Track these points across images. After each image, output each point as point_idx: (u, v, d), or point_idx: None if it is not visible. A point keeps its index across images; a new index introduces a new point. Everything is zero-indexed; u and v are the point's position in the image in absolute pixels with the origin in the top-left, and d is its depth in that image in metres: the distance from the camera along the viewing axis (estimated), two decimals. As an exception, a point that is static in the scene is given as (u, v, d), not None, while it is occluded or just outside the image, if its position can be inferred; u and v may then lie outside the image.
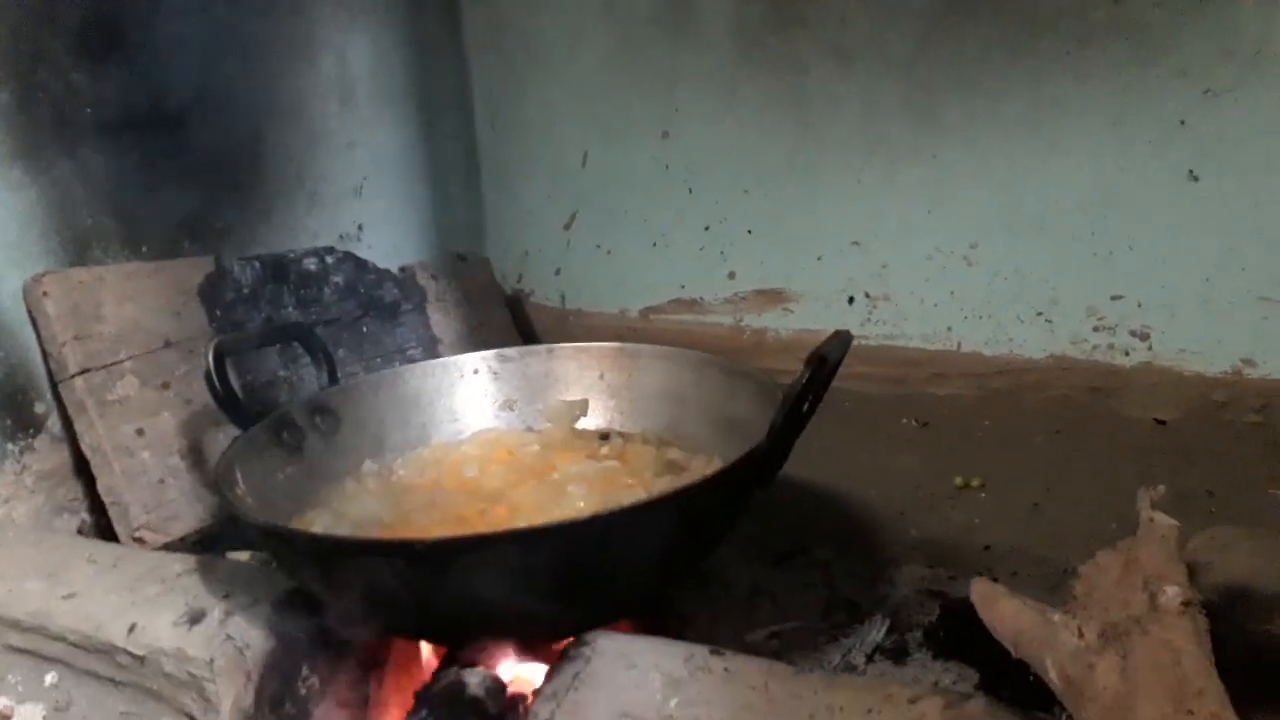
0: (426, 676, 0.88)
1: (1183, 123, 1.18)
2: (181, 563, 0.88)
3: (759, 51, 1.41)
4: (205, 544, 1.00)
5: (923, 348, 1.39)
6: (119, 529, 0.97)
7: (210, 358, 0.87)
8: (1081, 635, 0.69)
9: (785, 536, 1.04)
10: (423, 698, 0.72)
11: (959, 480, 1.17)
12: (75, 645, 0.82)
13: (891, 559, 1.01)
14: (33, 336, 0.97)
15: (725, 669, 0.67)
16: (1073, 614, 0.71)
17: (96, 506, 1.04)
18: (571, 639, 0.71)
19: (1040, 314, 1.32)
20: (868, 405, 1.39)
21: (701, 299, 1.54)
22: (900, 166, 1.36)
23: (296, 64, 1.27)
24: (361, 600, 0.70)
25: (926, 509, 1.12)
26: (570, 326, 1.63)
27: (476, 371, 1.05)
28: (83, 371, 0.95)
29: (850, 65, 1.36)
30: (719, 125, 1.45)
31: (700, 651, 0.69)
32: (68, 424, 1.00)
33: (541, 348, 1.08)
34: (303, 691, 0.79)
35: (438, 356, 1.37)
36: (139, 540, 0.97)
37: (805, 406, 0.70)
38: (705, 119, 1.46)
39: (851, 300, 1.44)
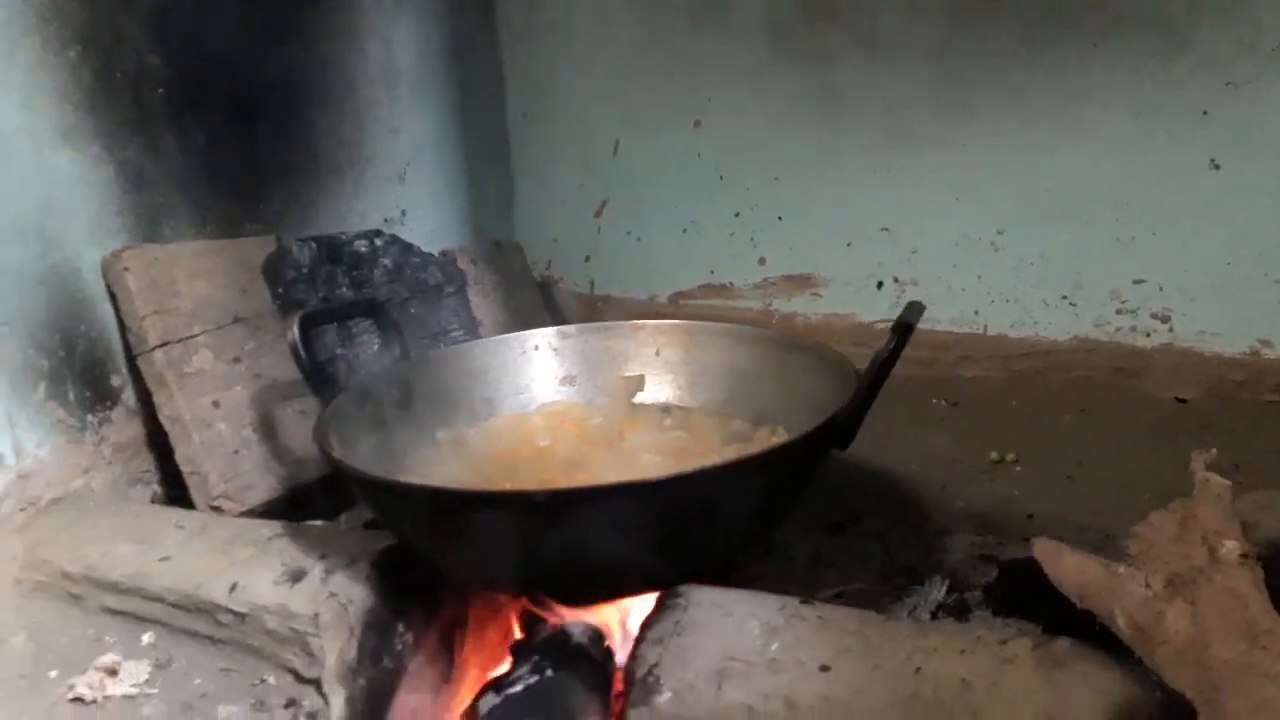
0: (505, 635, 0.92)
1: (1205, 113, 1.23)
2: (269, 528, 0.91)
3: (789, 42, 1.45)
4: (278, 513, 1.03)
5: (950, 330, 1.44)
6: (196, 498, 1.00)
7: (296, 329, 0.90)
8: (1148, 585, 0.74)
9: (838, 509, 1.08)
10: (523, 649, 0.75)
11: (994, 455, 1.22)
12: (174, 605, 0.84)
13: (941, 528, 1.05)
14: (110, 311, 1.00)
15: (819, 616, 0.71)
16: (1136, 567, 0.76)
17: (167, 479, 1.07)
18: (662, 592, 0.75)
19: (1065, 297, 1.38)
20: (899, 386, 1.41)
21: (731, 284, 1.58)
22: (928, 155, 1.40)
23: (348, 50, 1.30)
24: (470, 554, 0.73)
25: (966, 482, 1.16)
26: (599, 312, 1.66)
27: (537, 348, 1.08)
28: (162, 345, 0.98)
29: (878, 57, 1.40)
30: (750, 114, 1.49)
31: (791, 602, 0.73)
32: (142, 397, 1.02)
33: (598, 325, 1.11)
34: (398, 647, 0.82)
35: (479, 337, 1.41)
36: (216, 509, 0.99)
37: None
38: (736, 108, 1.50)
39: (880, 285, 1.48)
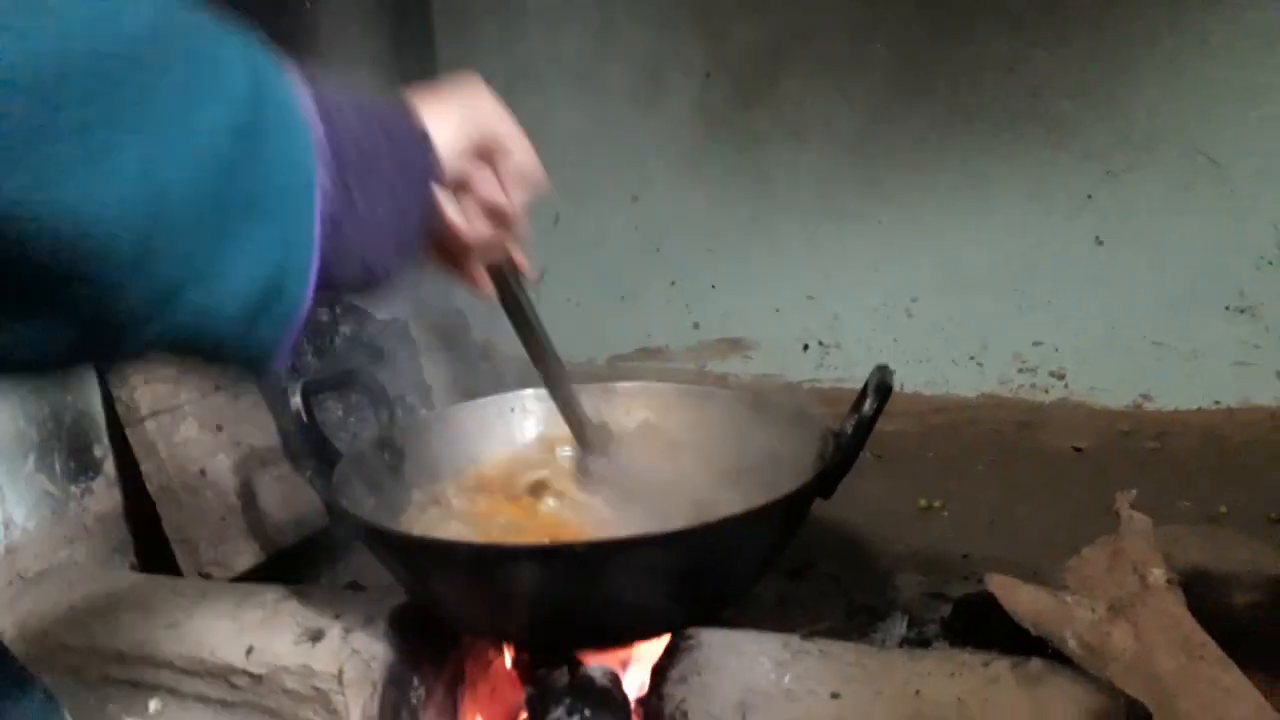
0: (497, 689, 0.96)
1: (1089, 197, 1.41)
2: (272, 591, 0.93)
3: (723, 127, 1.57)
4: (262, 578, 1.05)
5: (870, 390, 1.56)
6: (184, 565, 1.01)
7: (299, 398, 0.93)
8: (1094, 611, 0.85)
9: (793, 556, 1.17)
10: (548, 693, 0.80)
11: (923, 502, 1.34)
12: (183, 671, 0.86)
13: (889, 569, 1.15)
14: (94, 380, 1.01)
15: (819, 650, 0.79)
16: (1081, 595, 0.88)
17: (143, 549, 1.07)
18: (671, 636, 0.81)
19: (972, 358, 1.52)
20: (828, 441, 1.55)
21: (667, 347, 1.67)
22: (850, 230, 1.54)
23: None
24: (495, 606, 0.78)
25: (903, 527, 1.27)
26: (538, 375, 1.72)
27: (513, 410, 1.14)
28: (153, 414, 0.99)
29: (805, 142, 1.54)
30: (685, 190, 1.60)
31: (792, 639, 0.81)
32: (121, 467, 1.03)
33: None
34: (414, 701, 0.86)
35: (432, 404, 1.45)
36: (206, 575, 1.00)
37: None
38: (673, 185, 1.61)
39: (806, 347, 1.60)
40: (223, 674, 0.84)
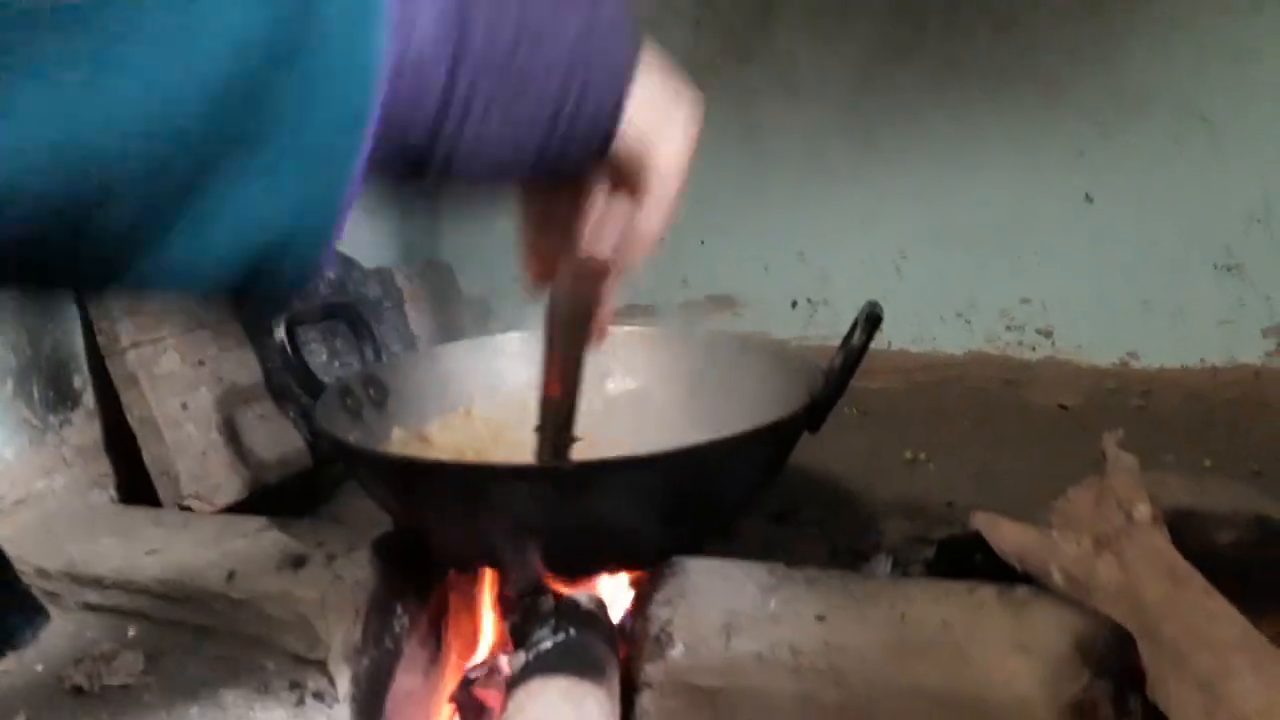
0: (479, 625, 0.96)
1: (1081, 153, 1.40)
2: (254, 522, 0.93)
3: (714, 80, 1.55)
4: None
5: (858, 347, 1.56)
6: (165, 499, 1.00)
7: (282, 330, 0.92)
8: (1079, 545, 0.85)
9: (776, 502, 1.17)
10: (532, 617, 0.79)
11: (908, 454, 1.34)
12: (162, 597, 0.85)
13: (873, 515, 1.15)
14: (75, 309, 0.99)
15: (806, 577, 0.79)
16: (1066, 531, 0.88)
17: (124, 484, 1.05)
18: (657, 565, 0.81)
19: (960, 315, 1.52)
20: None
21: (655, 305, 1.66)
22: (840, 186, 1.53)
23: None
24: (487, 531, 0.78)
25: (887, 477, 1.27)
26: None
27: (504, 353, 1.13)
28: (134, 345, 0.98)
29: (796, 97, 1.53)
30: (675, 145, 1.59)
31: (778, 567, 0.81)
32: (101, 399, 1.02)
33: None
34: (396, 630, 0.85)
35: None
36: (186, 509, 0.99)
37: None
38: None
39: (794, 305, 1.60)
40: (203, 600, 0.83)
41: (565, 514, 0.74)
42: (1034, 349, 1.49)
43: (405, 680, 0.86)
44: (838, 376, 0.83)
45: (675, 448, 0.73)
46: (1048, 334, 1.48)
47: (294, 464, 1.13)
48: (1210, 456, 1.26)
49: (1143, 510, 0.86)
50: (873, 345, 1.54)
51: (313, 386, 0.94)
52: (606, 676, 0.69)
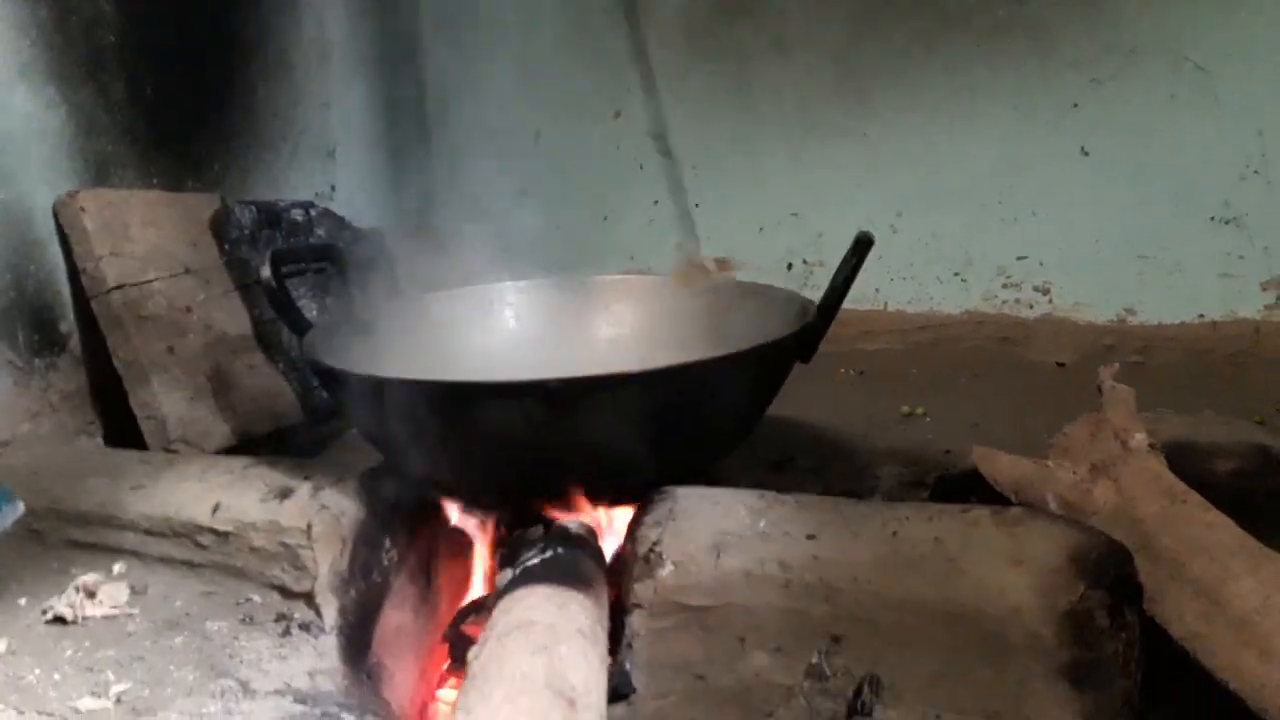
0: (471, 569, 0.95)
1: (1075, 105, 1.39)
2: (241, 460, 0.91)
3: (707, 39, 1.55)
4: (233, 461, 1.03)
5: (853, 308, 1.54)
6: (152, 443, 0.99)
7: (269, 267, 0.91)
8: (1075, 472, 0.84)
9: (774, 451, 1.16)
10: (516, 547, 0.78)
11: (905, 409, 1.33)
12: (148, 532, 0.84)
13: (869, 463, 1.14)
14: (59, 254, 0.98)
15: (796, 501, 0.78)
16: (1063, 461, 0.87)
17: (112, 432, 1.04)
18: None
19: (956, 274, 1.51)
20: (809, 359, 1.53)
21: (650, 269, 1.65)
22: (834, 146, 1.53)
23: (284, 19, 1.32)
24: (475, 454, 0.76)
25: (884, 430, 1.26)
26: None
27: (493, 302, 1.12)
28: (119, 286, 0.97)
29: (789, 54, 1.52)
30: (669, 107, 1.58)
31: (768, 493, 0.80)
32: (88, 346, 1.01)
33: (547, 281, 1.16)
34: (385, 562, 0.84)
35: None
36: (173, 453, 0.98)
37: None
38: (656, 101, 1.59)
39: (790, 266, 1.59)
40: (188, 533, 0.82)
41: (553, 433, 0.72)
42: (1031, 306, 1.48)
43: (394, 615, 0.85)
44: (828, 300, 0.82)
45: (663, 365, 0.72)
46: (1045, 291, 1.47)
47: (285, 417, 1.12)
48: (1210, 411, 1.25)
49: (1139, 438, 0.85)
50: (869, 306, 1.56)
51: (300, 325, 0.93)
52: (594, 588, 0.68)
